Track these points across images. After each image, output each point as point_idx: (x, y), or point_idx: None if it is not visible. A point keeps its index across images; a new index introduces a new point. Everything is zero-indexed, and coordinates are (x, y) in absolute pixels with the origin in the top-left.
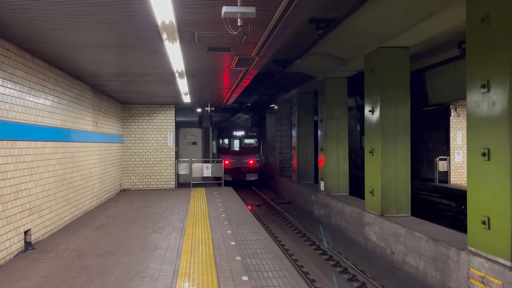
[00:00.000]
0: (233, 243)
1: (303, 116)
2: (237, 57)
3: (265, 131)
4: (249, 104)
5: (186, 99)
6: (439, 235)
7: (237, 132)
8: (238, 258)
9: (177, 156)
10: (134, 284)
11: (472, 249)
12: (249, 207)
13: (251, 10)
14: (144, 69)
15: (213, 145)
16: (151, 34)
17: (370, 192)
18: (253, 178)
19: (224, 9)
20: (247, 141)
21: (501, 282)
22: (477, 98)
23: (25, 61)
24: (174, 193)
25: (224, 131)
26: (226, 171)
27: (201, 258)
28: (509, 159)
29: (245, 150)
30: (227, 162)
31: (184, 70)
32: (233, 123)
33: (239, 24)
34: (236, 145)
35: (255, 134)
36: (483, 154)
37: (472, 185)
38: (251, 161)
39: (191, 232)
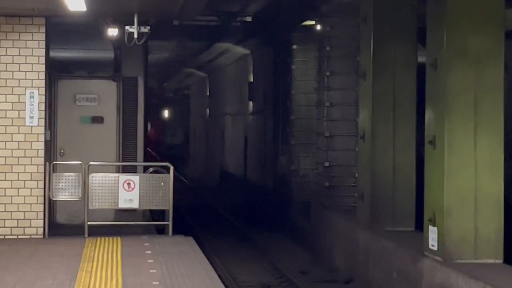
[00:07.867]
0: None
1: (390, 51)
2: None
3: (287, 92)
4: (249, 19)
5: (76, 2)
6: None
7: None
8: None
9: (49, 152)
10: None
11: None
12: None
13: None
14: None
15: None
16: None
17: None
18: None
19: None
20: None
21: None
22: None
23: None
24: (39, 254)
25: None
26: None
27: None
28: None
29: None
30: None
31: None
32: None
33: None
34: None
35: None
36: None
37: None
38: None
39: None
